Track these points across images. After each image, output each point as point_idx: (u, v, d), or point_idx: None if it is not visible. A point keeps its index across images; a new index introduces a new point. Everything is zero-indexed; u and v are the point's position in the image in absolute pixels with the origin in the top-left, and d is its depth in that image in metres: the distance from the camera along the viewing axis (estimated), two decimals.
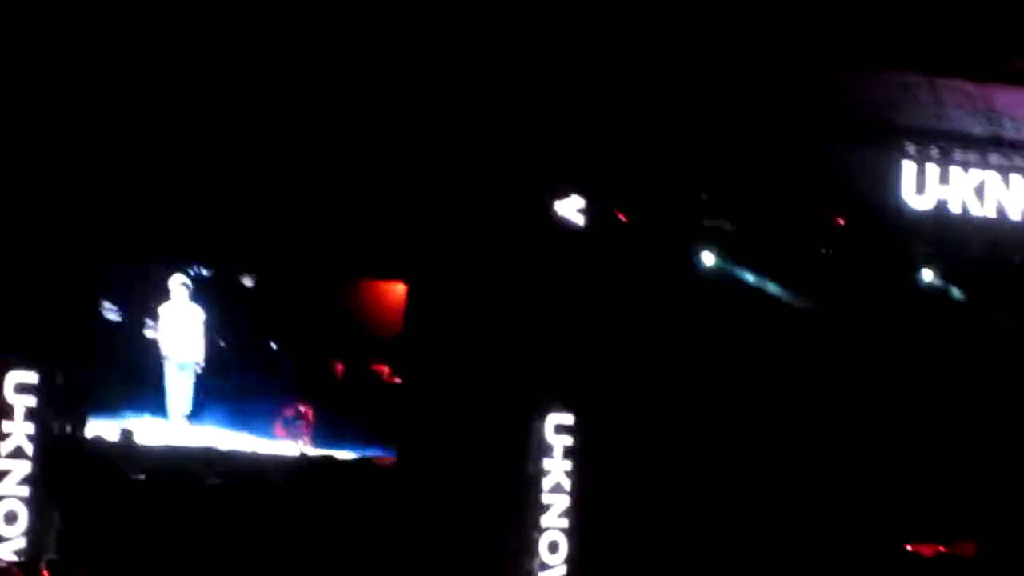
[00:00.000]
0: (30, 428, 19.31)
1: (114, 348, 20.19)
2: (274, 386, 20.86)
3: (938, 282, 21.32)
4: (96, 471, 19.87)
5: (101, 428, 20.14)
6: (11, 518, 19.07)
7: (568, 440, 21.01)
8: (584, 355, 20.85)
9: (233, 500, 20.12)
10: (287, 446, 20.76)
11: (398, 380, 21.08)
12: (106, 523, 19.45)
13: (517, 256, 20.59)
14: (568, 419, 21.02)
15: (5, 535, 19.02)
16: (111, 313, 20.31)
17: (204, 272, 20.60)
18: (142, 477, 20.06)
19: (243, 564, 19.61)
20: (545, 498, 20.92)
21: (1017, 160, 20.82)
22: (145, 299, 20.40)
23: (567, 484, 20.94)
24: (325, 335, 21.07)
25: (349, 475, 20.75)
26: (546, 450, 21.02)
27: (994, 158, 20.74)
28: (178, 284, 20.45)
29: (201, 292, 20.57)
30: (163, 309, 20.48)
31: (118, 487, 19.87)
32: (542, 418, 21.00)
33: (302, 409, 20.94)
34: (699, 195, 20.69)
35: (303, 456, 20.76)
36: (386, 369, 21.24)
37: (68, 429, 19.81)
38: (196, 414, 20.55)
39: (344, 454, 20.90)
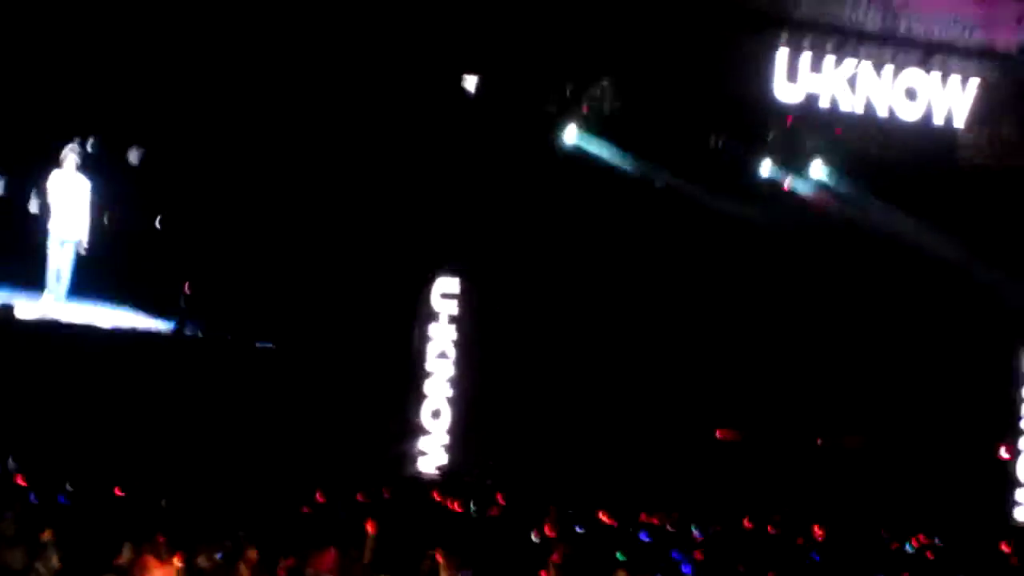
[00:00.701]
0: None
1: None
2: (154, 264, 20.79)
3: (825, 176, 21.56)
4: None
5: None
6: None
7: (454, 307, 21.21)
8: (471, 222, 21.02)
9: (112, 376, 20.15)
10: (166, 324, 20.92)
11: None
12: None
13: (406, 125, 20.42)
14: (454, 286, 21.27)
15: None
16: None
17: (90, 145, 20.22)
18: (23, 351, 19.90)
19: (122, 443, 19.62)
20: (429, 365, 21.23)
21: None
22: (31, 171, 20.09)
23: (451, 352, 21.18)
24: (208, 214, 20.99)
25: (230, 354, 20.94)
26: (432, 317, 21.27)
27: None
28: (69, 152, 20.08)
29: (89, 165, 20.23)
30: (52, 178, 20.14)
31: None
32: (428, 285, 21.23)
33: (184, 289, 20.94)
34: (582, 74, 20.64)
35: (182, 334, 20.89)
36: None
37: None
38: (74, 291, 20.55)
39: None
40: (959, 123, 21.01)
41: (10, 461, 17.93)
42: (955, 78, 20.86)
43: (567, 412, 21.30)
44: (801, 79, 20.72)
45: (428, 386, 21.24)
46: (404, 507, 17.54)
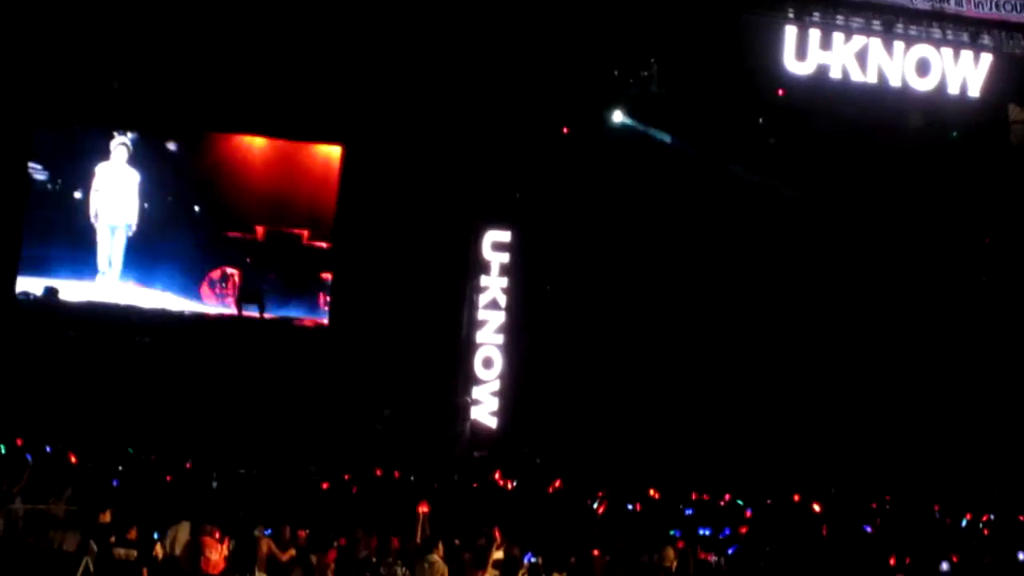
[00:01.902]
0: None
1: (44, 209, 20.58)
2: (199, 249, 21.30)
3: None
4: (22, 326, 20.19)
5: (29, 285, 20.56)
6: None
7: (505, 257, 21.42)
8: (523, 174, 21.01)
9: (158, 357, 20.46)
10: (213, 307, 21.21)
11: (320, 244, 21.41)
12: (31, 377, 19.65)
13: (467, 80, 20.43)
14: (506, 236, 21.42)
15: None
16: (40, 174, 20.72)
17: (133, 137, 20.89)
18: (71, 334, 20.34)
19: (167, 421, 19.75)
20: (480, 315, 21.34)
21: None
22: (77, 161, 20.75)
23: (503, 301, 21.36)
24: (249, 199, 21.41)
25: (275, 333, 21.08)
26: (483, 267, 21.40)
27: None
28: (118, 145, 20.86)
29: (136, 156, 20.94)
30: (100, 169, 20.88)
31: (44, 342, 20.15)
32: (479, 236, 21.34)
33: (228, 271, 21.39)
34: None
35: (229, 316, 21.09)
36: (305, 233, 21.51)
37: None
38: (125, 275, 20.99)
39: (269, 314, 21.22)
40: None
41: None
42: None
43: (620, 361, 21.21)
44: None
45: (480, 336, 21.37)
46: (457, 486, 17.57)
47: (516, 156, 20.92)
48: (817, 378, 20.99)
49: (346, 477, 18.70)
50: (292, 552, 13.97)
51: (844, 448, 20.27)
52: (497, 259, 21.45)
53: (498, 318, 21.34)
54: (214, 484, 17.97)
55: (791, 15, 19.79)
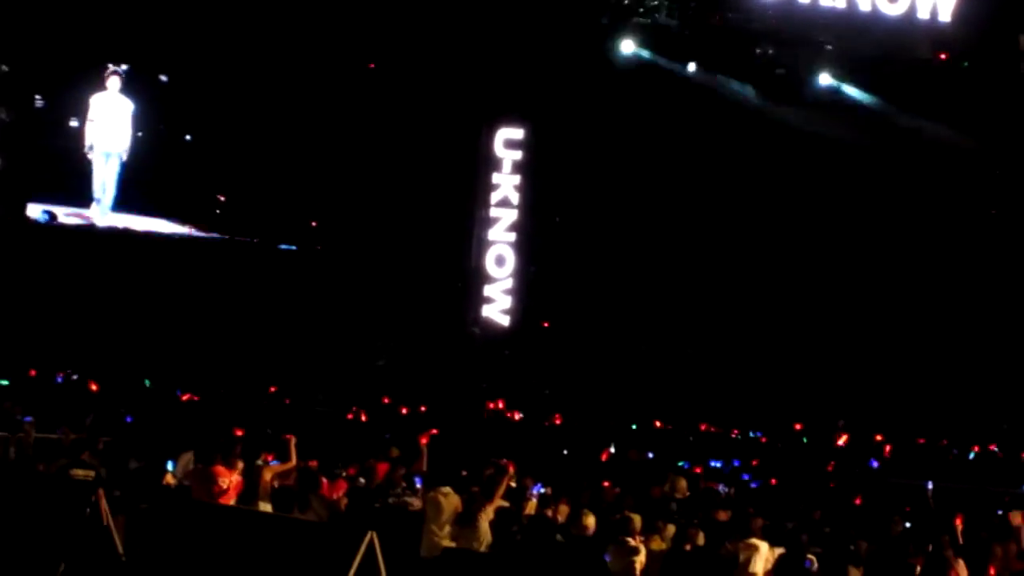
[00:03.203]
0: None
1: (42, 137, 20.71)
2: (190, 176, 21.38)
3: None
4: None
5: (29, 210, 20.71)
6: None
7: (517, 155, 21.29)
8: (534, 71, 20.90)
9: (153, 280, 20.55)
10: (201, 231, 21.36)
11: None
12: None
13: None
14: (518, 133, 21.32)
15: None
16: (38, 103, 20.86)
17: (127, 67, 20.98)
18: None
19: (166, 347, 19.85)
20: (493, 212, 21.26)
21: None
22: (72, 91, 20.84)
23: (515, 198, 21.26)
24: (239, 129, 21.35)
25: (262, 256, 21.26)
26: (495, 164, 21.31)
27: None
28: (111, 75, 20.93)
29: (128, 85, 21.00)
30: (95, 99, 20.94)
31: (43, 264, 20.21)
32: (492, 131, 21.26)
33: (219, 198, 21.54)
34: None
35: (220, 238, 21.27)
36: None
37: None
38: (119, 201, 21.04)
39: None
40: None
41: None
42: None
43: (630, 259, 21.38)
44: None
45: (492, 233, 21.35)
46: (463, 417, 17.52)
47: (528, 58, 20.71)
48: (827, 307, 20.97)
49: (353, 409, 18.67)
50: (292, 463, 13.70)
51: (851, 382, 20.30)
52: (510, 156, 21.34)
53: (510, 216, 21.26)
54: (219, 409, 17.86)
55: None
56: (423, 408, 17.34)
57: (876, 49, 20.35)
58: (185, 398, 17.89)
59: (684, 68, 21.06)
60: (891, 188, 21.30)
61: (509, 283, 21.29)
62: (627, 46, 20.74)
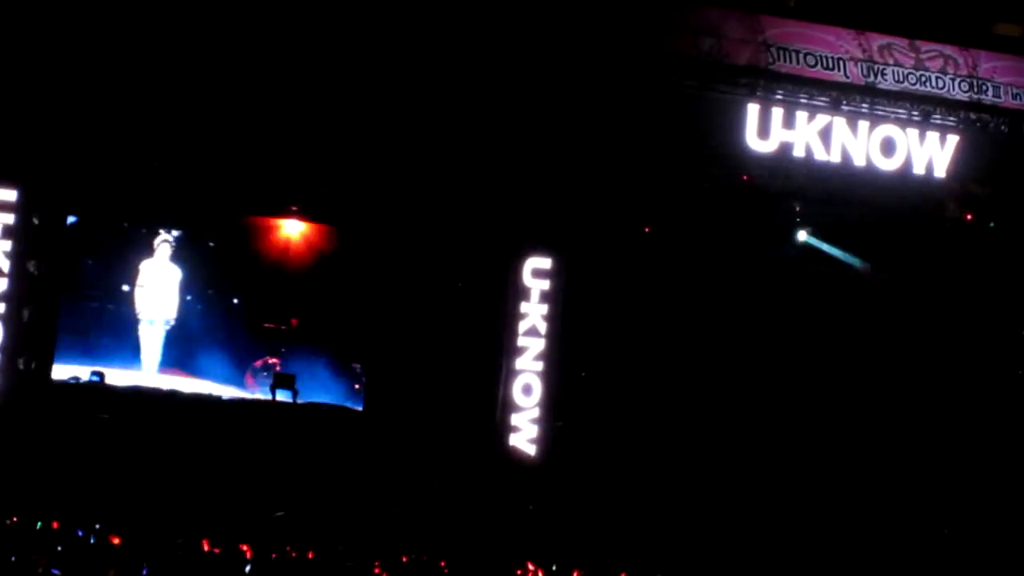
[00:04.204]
0: None
1: (94, 300, 21.71)
2: (238, 339, 22.33)
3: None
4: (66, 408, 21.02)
5: (76, 371, 21.49)
6: None
7: (545, 284, 21.73)
8: (564, 201, 21.35)
9: (198, 441, 21.16)
10: (251, 393, 22.17)
11: None
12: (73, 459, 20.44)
13: (503, 103, 20.59)
14: (546, 263, 21.71)
15: None
16: (91, 268, 21.76)
17: (177, 235, 22.01)
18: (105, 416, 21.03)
19: (206, 501, 20.37)
20: (520, 341, 21.64)
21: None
22: (124, 257, 21.86)
23: (543, 328, 21.66)
24: (280, 290, 22.39)
25: (318, 420, 21.91)
26: (523, 294, 21.70)
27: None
28: (161, 242, 21.97)
29: (178, 252, 22.06)
30: (144, 266, 22.00)
31: (87, 425, 20.85)
32: (520, 262, 21.62)
33: (271, 361, 22.43)
34: None
35: (274, 402, 21.89)
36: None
37: (32, 366, 20.72)
38: (165, 364, 21.98)
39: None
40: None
41: None
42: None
43: (660, 388, 21.58)
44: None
45: (520, 363, 21.54)
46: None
47: (560, 181, 21.21)
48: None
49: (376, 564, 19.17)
50: None
51: None
52: (537, 286, 21.69)
53: (538, 345, 21.59)
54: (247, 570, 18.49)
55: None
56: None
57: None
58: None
59: None
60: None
61: (536, 412, 21.56)
62: None
